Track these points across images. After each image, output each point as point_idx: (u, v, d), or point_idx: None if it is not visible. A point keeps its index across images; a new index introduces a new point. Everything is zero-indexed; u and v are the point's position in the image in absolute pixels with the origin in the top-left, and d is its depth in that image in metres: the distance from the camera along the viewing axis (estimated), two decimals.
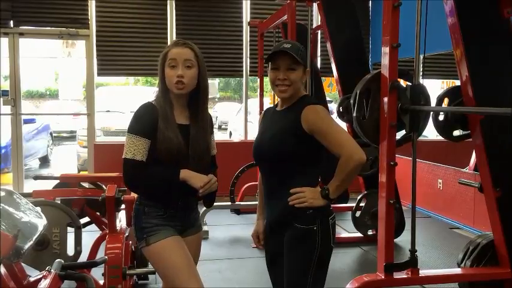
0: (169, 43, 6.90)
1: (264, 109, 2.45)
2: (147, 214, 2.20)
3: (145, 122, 2.15)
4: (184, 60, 2.18)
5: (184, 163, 2.17)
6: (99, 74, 7.06)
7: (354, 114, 3.26)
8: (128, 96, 10.57)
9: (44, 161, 11.03)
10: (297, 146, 2.10)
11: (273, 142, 2.14)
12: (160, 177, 2.17)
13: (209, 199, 2.32)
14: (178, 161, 2.16)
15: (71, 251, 3.31)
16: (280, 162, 2.13)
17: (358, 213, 5.01)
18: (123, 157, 2.15)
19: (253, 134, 2.37)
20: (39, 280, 2.09)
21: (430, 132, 5.81)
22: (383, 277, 3.14)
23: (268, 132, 2.21)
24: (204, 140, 2.27)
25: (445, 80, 8.90)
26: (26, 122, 8.14)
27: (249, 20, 7.04)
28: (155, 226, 2.18)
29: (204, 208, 4.94)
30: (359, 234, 5.03)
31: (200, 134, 2.25)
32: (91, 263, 2.64)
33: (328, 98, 8.50)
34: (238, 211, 5.97)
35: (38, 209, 2.43)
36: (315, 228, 2.08)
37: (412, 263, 3.21)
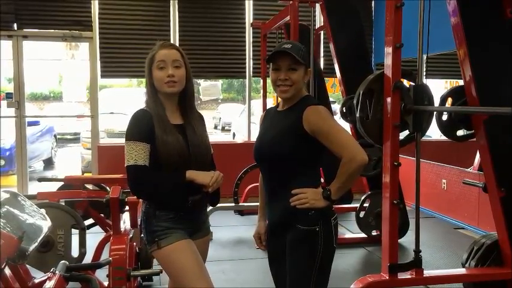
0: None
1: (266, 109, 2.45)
2: (158, 217, 2.20)
3: (142, 127, 2.16)
4: (173, 61, 2.21)
5: (187, 163, 2.17)
6: (102, 76, 7.08)
7: (357, 115, 3.26)
8: (131, 98, 10.60)
9: (48, 163, 11.06)
10: (298, 147, 2.09)
11: (274, 143, 2.14)
12: (166, 182, 2.16)
13: (214, 197, 2.31)
14: (181, 163, 2.16)
15: (75, 252, 3.32)
16: (281, 163, 2.13)
17: (362, 214, 5.00)
18: (125, 165, 2.14)
19: (256, 135, 2.37)
20: (43, 282, 2.10)
21: (434, 132, 5.80)
22: (387, 277, 3.13)
23: (269, 133, 2.21)
24: (202, 137, 2.29)
25: (448, 80, 8.87)
26: (30, 124, 8.18)
27: (251, 21, 7.04)
28: (166, 229, 2.18)
29: (208, 209, 4.96)
30: (363, 235, 5.03)
31: (197, 132, 2.27)
32: (95, 265, 2.65)
33: (331, 99, 8.50)
34: (241, 212, 5.96)
35: (43, 210, 2.44)
36: (317, 229, 2.08)
37: (416, 264, 3.20)
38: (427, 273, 3.27)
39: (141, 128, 2.16)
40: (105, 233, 3.86)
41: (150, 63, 2.25)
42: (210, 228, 2.45)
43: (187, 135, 2.22)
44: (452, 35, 3.26)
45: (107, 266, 2.98)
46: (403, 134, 3.28)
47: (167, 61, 2.20)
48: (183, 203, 2.20)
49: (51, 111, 15.47)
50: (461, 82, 3.39)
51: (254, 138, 2.72)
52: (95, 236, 3.94)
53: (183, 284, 2.14)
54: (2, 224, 1.94)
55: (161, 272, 3.07)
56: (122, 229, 3.43)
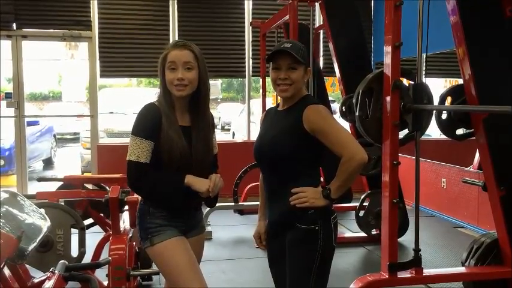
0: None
1: (266, 109, 2.45)
2: (152, 214, 2.20)
3: (148, 122, 2.15)
4: (184, 63, 2.16)
5: (187, 165, 2.17)
6: (101, 76, 7.08)
7: (357, 114, 3.26)
8: (130, 97, 10.60)
9: (48, 163, 11.06)
10: (298, 147, 2.10)
11: (274, 142, 2.14)
12: (165, 184, 2.17)
13: (212, 199, 2.31)
14: (180, 163, 2.16)
15: (74, 252, 3.31)
16: (282, 162, 2.13)
17: (361, 213, 5.01)
18: (127, 159, 2.14)
19: (256, 135, 2.37)
20: (43, 281, 2.10)
21: (433, 131, 5.80)
22: (387, 276, 3.13)
23: (269, 132, 2.21)
24: (206, 142, 2.27)
25: (447, 79, 8.88)
26: (30, 124, 8.17)
27: (251, 20, 7.04)
28: (159, 226, 2.19)
29: (208, 209, 4.97)
30: (363, 234, 5.03)
31: (202, 136, 2.25)
32: (95, 264, 2.65)
33: (331, 98, 8.50)
34: (241, 211, 5.96)
35: (42, 210, 2.44)
36: (316, 228, 2.08)
37: (416, 263, 3.20)
38: (427, 272, 3.27)
39: (147, 123, 2.15)
40: (104, 233, 3.85)
41: (163, 62, 2.20)
42: (210, 227, 2.45)
43: (192, 138, 2.21)
44: (451, 34, 3.25)
45: (107, 266, 2.98)
46: (403, 133, 3.28)
47: (178, 63, 2.16)
48: (180, 204, 2.21)
49: (50, 111, 15.47)
50: (460, 81, 3.39)
51: (254, 137, 2.73)
52: (94, 235, 3.94)
53: (175, 282, 2.15)
54: (1, 223, 1.94)
55: None
56: (121, 229, 3.42)
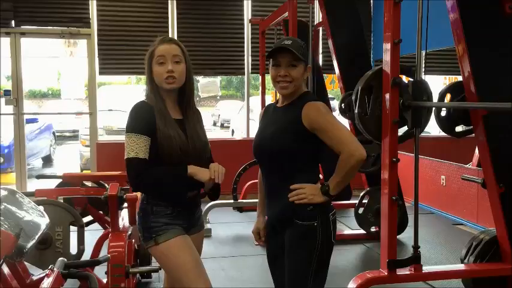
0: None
1: (265, 106, 2.45)
2: (156, 213, 2.19)
3: (142, 119, 2.15)
4: (173, 56, 2.20)
5: (187, 157, 2.17)
6: (100, 73, 7.06)
7: (356, 111, 3.26)
8: (129, 95, 10.59)
9: (47, 161, 11.06)
10: (297, 143, 2.10)
11: (274, 139, 2.14)
12: (167, 176, 2.16)
13: (215, 191, 2.30)
14: (181, 157, 2.15)
15: (73, 249, 3.31)
16: (281, 158, 2.13)
17: (361, 210, 5.01)
18: (125, 158, 2.13)
19: (255, 132, 2.38)
20: (42, 279, 2.10)
21: (433, 129, 5.80)
22: (386, 274, 3.14)
23: (268, 129, 2.20)
24: (202, 132, 2.30)
25: (447, 76, 8.89)
26: (29, 121, 8.17)
27: (250, 17, 7.03)
28: (164, 225, 2.18)
29: (207, 206, 4.97)
30: (362, 231, 5.03)
31: (196, 127, 2.27)
32: (94, 262, 2.64)
33: (330, 95, 8.50)
34: (240, 209, 5.97)
35: (41, 208, 2.44)
36: (315, 224, 2.08)
37: (415, 260, 3.20)
38: (426, 269, 3.28)
39: (141, 120, 2.15)
40: (103, 230, 3.85)
41: (150, 58, 2.24)
42: (209, 225, 2.45)
43: (187, 130, 2.23)
44: (451, 31, 3.25)
45: (106, 263, 2.98)
46: (402, 130, 3.27)
47: (167, 56, 2.19)
48: (182, 197, 2.20)
49: (49, 108, 15.46)
50: (460, 78, 3.39)
51: (253, 135, 2.72)
52: (93, 233, 3.95)
53: (180, 281, 2.15)
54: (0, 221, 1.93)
55: (160, 269, 3.06)
56: (120, 226, 3.42)
